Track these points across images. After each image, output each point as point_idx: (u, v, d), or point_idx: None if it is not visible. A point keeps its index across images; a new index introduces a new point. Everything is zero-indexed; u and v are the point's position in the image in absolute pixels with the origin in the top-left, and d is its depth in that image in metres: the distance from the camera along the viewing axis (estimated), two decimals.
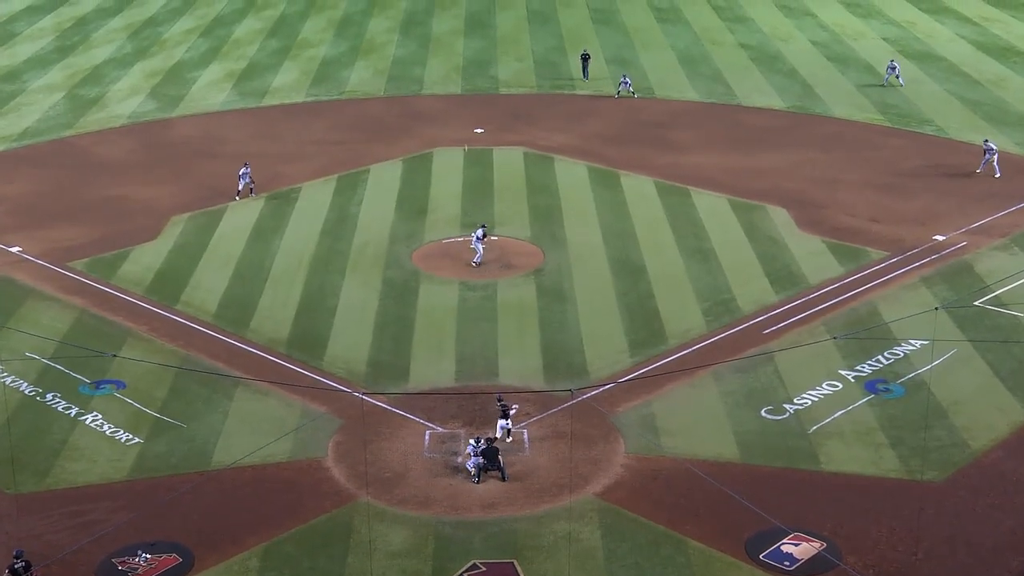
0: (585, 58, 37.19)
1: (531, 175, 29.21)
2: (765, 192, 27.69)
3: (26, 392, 19.14)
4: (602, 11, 46.02)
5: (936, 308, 20.25)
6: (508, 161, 30.16)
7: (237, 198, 27.69)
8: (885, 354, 19.83)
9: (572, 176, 29.14)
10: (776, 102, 34.62)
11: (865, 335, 19.78)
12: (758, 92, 35.54)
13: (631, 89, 34.99)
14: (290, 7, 47.04)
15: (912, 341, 20.03)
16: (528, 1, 47.63)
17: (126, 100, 35.40)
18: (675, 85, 36.59)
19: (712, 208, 26.86)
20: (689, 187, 28.15)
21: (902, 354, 19.75)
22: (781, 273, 23.43)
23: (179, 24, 44.27)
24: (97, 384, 19.37)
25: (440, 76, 37.89)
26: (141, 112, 34.34)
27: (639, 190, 28.03)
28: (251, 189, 27.94)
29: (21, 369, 19.67)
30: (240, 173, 27.89)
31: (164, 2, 47.44)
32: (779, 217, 26.23)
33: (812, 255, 24.16)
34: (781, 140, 31.40)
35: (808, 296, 22.17)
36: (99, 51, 40.60)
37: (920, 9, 44.82)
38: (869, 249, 24.36)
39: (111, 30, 43.22)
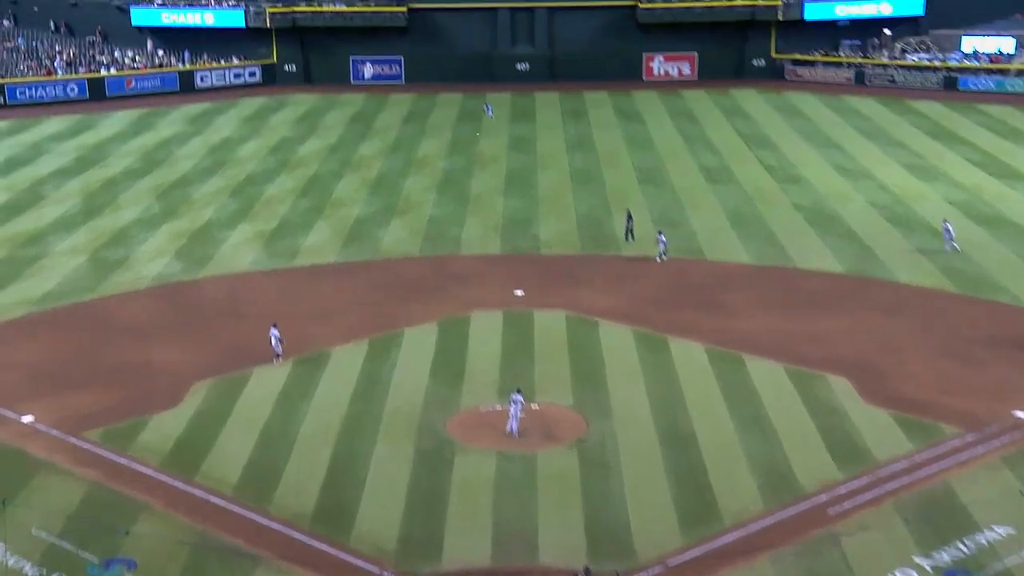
0: (628, 218, 41.10)
1: (574, 339, 31.64)
2: (824, 360, 29.24)
3: (30, 574, 20.31)
4: (648, 170, 50.75)
5: (1022, 492, 20.87)
6: (549, 325, 32.87)
7: (275, 360, 30.23)
8: (965, 541, 20.22)
9: (617, 341, 31.53)
10: (833, 265, 37.18)
11: (942, 519, 20.32)
12: (814, 254, 38.28)
13: (665, 251, 38.35)
14: (324, 166, 52.75)
15: (996, 528, 20.52)
16: (571, 159, 53.01)
17: (152, 261, 39.51)
18: (726, 247, 39.83)
19: (767, 376, 28.48)
20: (742, 353, 30.00)
21: (985, 542, 20.10)
22: (844, 448, 24.26)
23: (209, 184, 49.77)
24: (107, 564, 20.12)
25: (479, 235, 41.96)
26: (167, 273, 38.29)
27: (689, 356, 30.07)
28: (277, 355, 30.34)
29: (26, 548, 20.87)
30: (271, 334, 30.59)
31: (194, 162, 53.50)
32: (840, 387, 27.49)
33: (878, 429, 24.96)
34: (840, 305, 33.43)
35: (875, 474, 22.81)
36: (126, 212, 45.56)
37: (987, 173, 47.96)
38: (941, 424, 25.16)
39: (139, 191, 48.64)
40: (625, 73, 72.48)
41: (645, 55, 73.06)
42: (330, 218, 44.62)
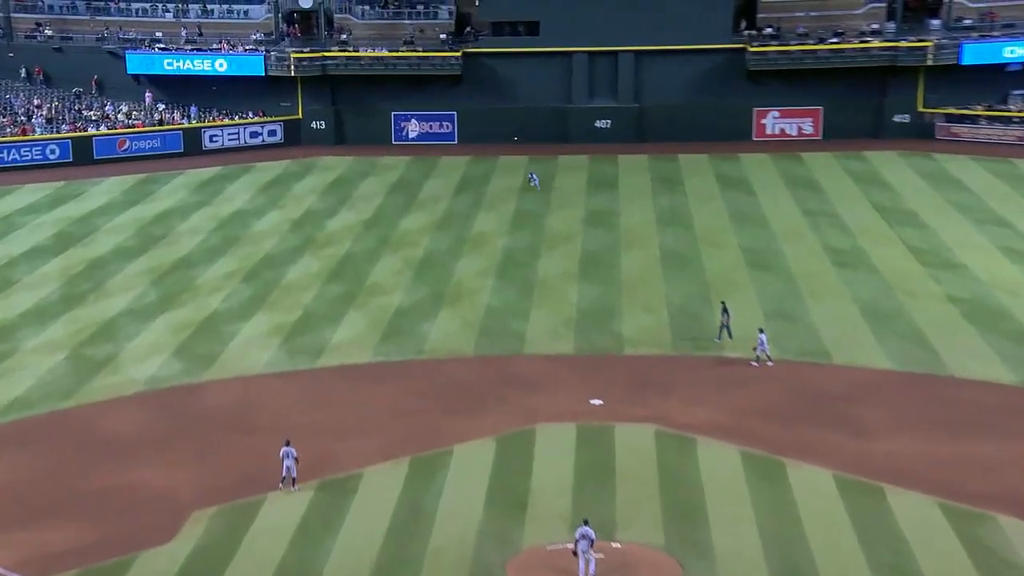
0: (723, 312, 41.81)
1: (665, 461, 32.25)
2: (991, 496, 29.06)
3: None
4: (759, 252, 51.79)
5: None
6: (634, 442, 33.54)
7: (280, 487, 31.10)
8: None
9: (720, 464, 32.05)
10: (1001, 373, 37.23)
11: None
12: (975, 359, 38.47)
13: (766, 354, 39.05)
14: (358, 244, 55.10)
15: None
16: (662, 238, 54.42)
17: (145, 361, 41.37)
18: (859, 348, 40.26)
19: (915, 513, 28.43)
20: (882, 484, 30.03)
21: None
22: None
23: (217, 266, 52.29)
24: None
25: (547, 331, 43.30)
26: (163, 376, 40.10)
27: (812, 485, 30.22)
28: (292, 479, 31.08)
29: None
30: (283, 454, 31.33)
31: (200, 239, 56.30)
32: (1015, 531, 27.43)
33: None
34: (1011, 424, 33.37)
35: None
36: (115, 300, 47.83)
37: None
38: None
39: (132, 274, 51.18)
40: (731, 132, 74.09)
41: (756, 110, 74.65)
42: (365, 308, 46.46)
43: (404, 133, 77.74)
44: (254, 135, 77.04)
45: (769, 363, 39.00)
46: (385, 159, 73.11)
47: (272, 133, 77.43)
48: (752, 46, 73.69)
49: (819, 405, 35.94)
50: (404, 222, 58.78)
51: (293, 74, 76.05)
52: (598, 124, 76.10)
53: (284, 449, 31.68)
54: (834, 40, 73.19)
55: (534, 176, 64.38)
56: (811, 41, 73.59)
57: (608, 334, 42.82)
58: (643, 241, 54.02)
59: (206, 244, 55.84)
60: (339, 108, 77.85)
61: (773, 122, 74.69)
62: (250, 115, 77.66)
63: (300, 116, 77.79)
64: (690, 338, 41.99)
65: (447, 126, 77.46)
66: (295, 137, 77.35)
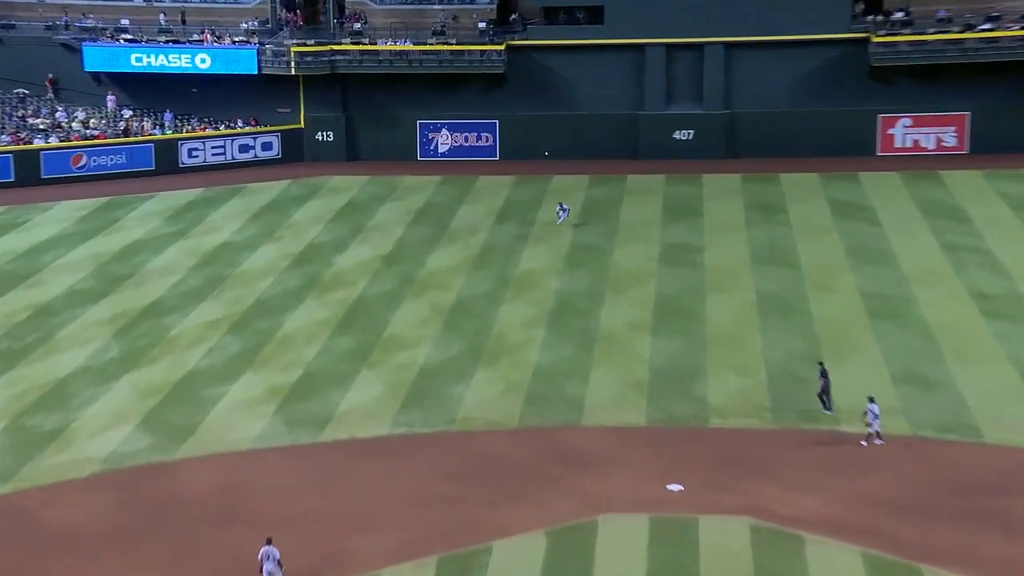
0: (821, 376, 41.66)
1: (763, 564, 32.20)
2: None
3: None
4: (885, 297, 51.64)
5: None
6: (723, 539, 33.49)
7: None
8: None
9: (835, 569, 31.96)
10: None
11: None
12: None
13: (876, 425, 38.81)
14: (374, 286, 55.77)
15: None
16: (758, 279, 54.51)
17: (104, 434, 41.80)
18: (1017, 424, 40.10)
19: None
20: None
21: None
22: None
23: (197, 313, 53.00)
24: None
25: (611, 396, 43.47)
26: (127, 453, 40.45)
27: None
28: None
29: None
30: (262, 555, 31.21)
31: (175, 279, 57.23)
32: None
33: None
34: None
35: None
36: (67, 356, 48.46)
37: None
38: None
39: (88, 324, 51.94)
40: (848, 145, 74.37)
41: (881, 117, 74.78)
42: (382, 367, 46.86)
43: (433, 147, 78.96)
44: (244, 149, 78.55)
45: (878, 441, 38.83)
46: (408, 179, 74.12)
47: (267, 147, 78.94)
48: (877, 36, 73.60)
49: (964, 496, 35.78)
50: (432, 259, 59.42)
51: (294, 73, 77.30)
52: (677, 136, 76.78)
53: (264, 549, 31.74)
54: (986, 27, 72.40)
55: (564, 208, 63.75)
56: (955, 29, 72.89)
57: (690, 401, 42.88)
58: (734, 284, 54.15)
59: (183, 286, 56.57)
60: (351, 116, 79.15)
61: (904, 132, 74.75)
62: (240, 124, 79.18)
63: (302, 125, 79.23)
64: (794, 407, 41.92)
65: (487, 138, 78.60)
66: (296, 152, 78.81)
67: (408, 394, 44.29)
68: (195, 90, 78.95)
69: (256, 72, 77.69)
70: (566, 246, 60.31)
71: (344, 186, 72.99)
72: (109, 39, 79.82)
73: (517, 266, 57.79)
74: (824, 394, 41.34)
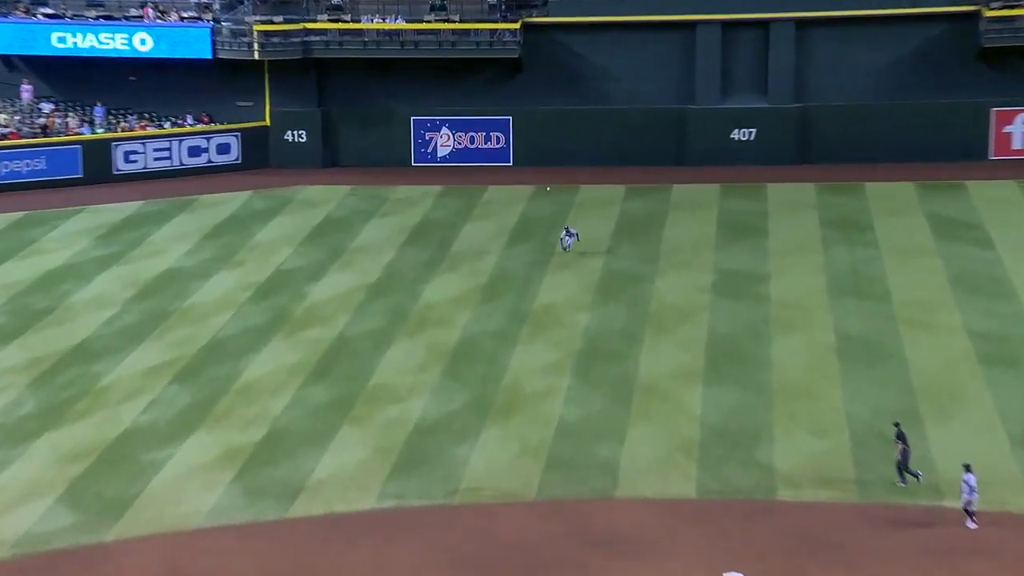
0: (898, 438, 41.70)
1: None
2: None
3: None
4: (998, 338, 51.76)
5: None
6: None
7: None
8: None
9: None
10: None
11: None
12: None
13: (971, 505, 38.69)
14: (356, 323, 56.15)
15: None
16: (838, 316, 54.62)
17: (15, 509, 41.70)
18: None
19: None
20: None
21: None
22: None
23: (135, 357, 53.36)
24: None
25: (653, 461, 43.60)
26: (44, 532, 40.35)
27: None
28: None
29: None
30: None
31: (109, 315, 57.67)
32: None
33: None
34: None
35: None
36: None
37: None
38: None
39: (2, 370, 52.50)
40: (952, 147, 74.91)
41: (994, 111, 75.37)
42: (367, 423, 47.10)
43: (431, 150, 79.77)
44: (195, 152, 79.23)
45: (971, 524, 38.62)
46: (401, 190, 74.68)
47: (224, 150, 79.67)
48: (990, 9, 73.81)
49: None
50: (430, 289, 59.84)
51: (257, 57, 77.76)
52: (736, 136, 77.46)
53: None
54: None
55: (571, 232, 63.54)
56: None
57: (752, 467, 42.94)
58: (807, 321, 54.37)
59: (118, 323, 57.02)
60: (329, 111, 79.97)
61: None
62: (189, 121, 79.92)
63: (268, 123, 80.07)
64: (884, 478, 41.89)
65: (498, 139, 79.36)
66: (260, 156, 79.62)
67: (400, 457, 44.38)
68: (133, 78, 79.70)
69: (210, 56, 78.17)
70: (596, 273, 60.65)
71: (320, 198, 73.68)
72: (23, 14, 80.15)
73: (535, 298, 58.16)
74: (903, 463, 41.51)
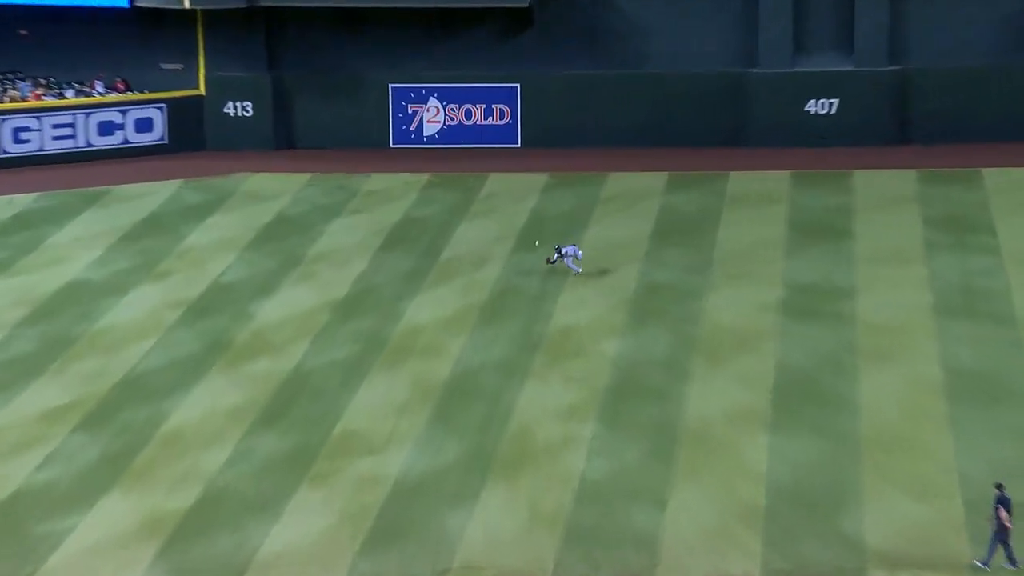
0: (1002, 502, 41.39)
1: None
2: None
3: None
4: None
5: None
6: None
7: None
8: None
9: None
10: None
11: None
12: None
13: None
14: (317, 351, 56.69)
15: None
16: (944, 343, 54.92)
17: None
18: None
19: None
20: None
21: None
22: None
23: (29, 396, 53.59)
24: None
25: (703, 533, 43.40)
26: None
27: None
28: None
29: None
30: None
31: None
32: None
33: None
34: None
35: None
36: None
37: None
38: None
39: None
40: None
41: None
42: (332, 481, 47.28)
43: (415, 128, 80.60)
44: (107, 129, 79.97)
45: None
46: (376, 180, 75.44)
47: (144, 126, 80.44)
48: None
49: None
50: (414, 307, 60.28)
51: (188, 6, 78.39)
52: (812, 108, 78.20)
53: None
54: None
55: (563, 252, 62.59)
56: None
57: (833, 541, 43.00)
58: (906, 349, 54.63)
59: (5, 352, 57.57)
60: (282, 77, 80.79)
61: None
62: (99, 89, 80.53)
63: (203, 92, 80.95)
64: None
65: (502, 114, 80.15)
66: (193, 135, 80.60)
67: (375, 526, 44.51)
68: (24, 32, 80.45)
69: (126, 4, 78.90)
70: (629, 287, 61.08)
71: (271, 190, 74.32)
72: None
73: (550, 320, 58.50)
74: (1003, 535, 41.39)
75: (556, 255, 62.51)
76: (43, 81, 79.71)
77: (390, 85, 79.36)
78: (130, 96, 79.64)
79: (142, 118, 79.46)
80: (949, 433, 48.37)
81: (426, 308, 59.95)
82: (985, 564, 41.02)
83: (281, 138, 79.57)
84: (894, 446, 47.88)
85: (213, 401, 52.58)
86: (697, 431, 49.36)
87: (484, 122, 79.23)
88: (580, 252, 62.44)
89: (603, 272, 62.46)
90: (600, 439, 49.02)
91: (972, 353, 53.84)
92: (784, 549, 42.63)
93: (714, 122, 77.56)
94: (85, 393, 53.49)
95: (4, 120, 78.06)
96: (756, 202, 70.17)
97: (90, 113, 79.06)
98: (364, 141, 79.03)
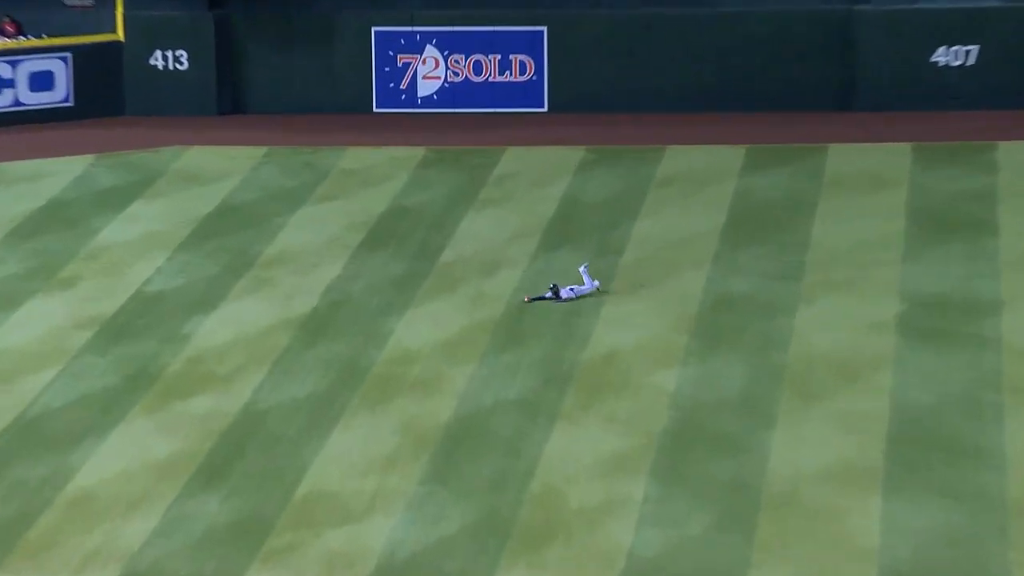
0: None
1: None
2: None
3: None
4: None
5: None
6: None
7: None
8: None
9: None
10: None
11: None
12: None
13: None
14: (276, 385, 56.94)
15: None
16: None
17: None
18: None
19: None
20: None
21: None
22: None
23: None
24: None
25: None
26: None
27: None
28: None
29: None
30: None
31: None
32: None
33: None
34: None
35: None
36: None
37: None
38: None
39: None
40: None
41: None
42: (294, 559, 47.10)
43: (406, 85, 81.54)
44: None
45: None
46: (354, 156, 76.17)
47: (42, 82, 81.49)
48: None
49: None
50: (404, 326, 60.59)
51: None
52: (941, 59, 78.91)
53: None
54: None
55: (556, 295, 62.32)
56: None
57: None
58: None
59: None
60: (229, 17, 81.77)
61: None
62: None
63: (121, 36, 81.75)
64: None
65: (523, 68, 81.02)
66: (107, 94, 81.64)
67: None
68: None
69: None
70: (693, 299, 61.29)
71: (213, 170, 74.92)
72: None
73: (587, 342, 58.69)
74: None
75: (550, 294, 62.29)
76: None
77: (373, 29, 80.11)
78: (22, 43, 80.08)
79: (38, 72, 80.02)
80: None
81: (420, 328, 60.20)
82: None
83: (226, 99, 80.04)
84: None
85: (136, 452, 52.55)
86: (784, 493, 49.21)
87: (499, 78, 79.66)
88: (597, 283, 62.47)
89: (657, 280, 62.73)
90: (654, 503, 48.84)
91: None
92: None
93: (809, 77, 78.34)
94: None
95: None
96: (865, 185, 70.44)
97: None
98: (338, 104, 79.52)
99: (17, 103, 78.59)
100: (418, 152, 74.71)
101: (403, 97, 79.05)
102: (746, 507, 48.37)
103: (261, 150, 75.23)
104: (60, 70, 78.74)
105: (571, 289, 61.79)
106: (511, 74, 78.95)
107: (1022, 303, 59.39)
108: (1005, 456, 50.51)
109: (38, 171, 73.49)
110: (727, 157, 72.33)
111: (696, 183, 69.78)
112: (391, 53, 79.13)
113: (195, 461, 51.88)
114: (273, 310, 61.56)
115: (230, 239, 67.41)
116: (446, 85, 79.18)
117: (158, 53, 79.13)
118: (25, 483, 50.95)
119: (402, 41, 79.06)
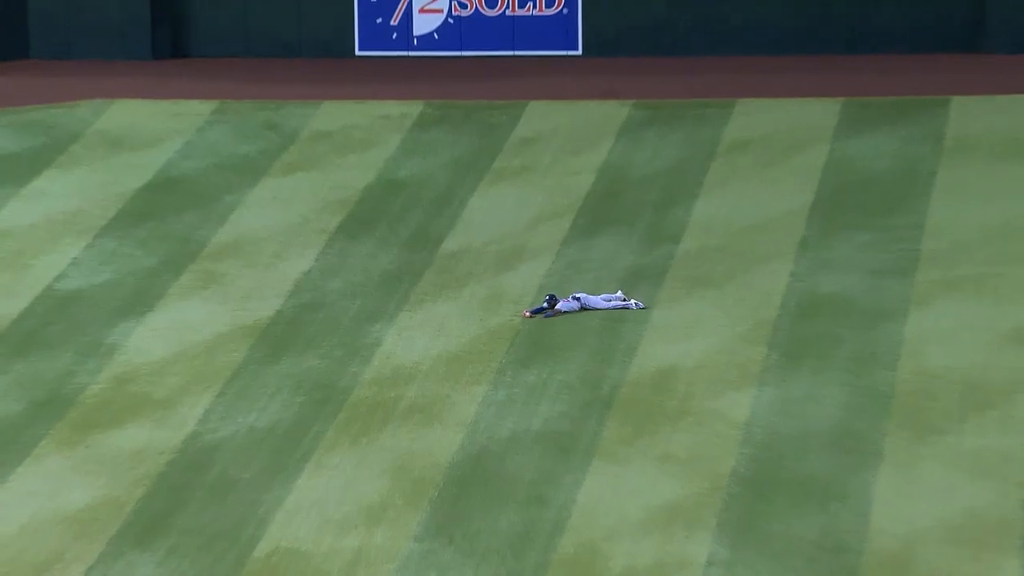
0: None
1: None
2: None
3: None
4: None
5: None
6: None
7: None
8: None
9: None
10: None
11: None
12: None
13: None
14: (226, 413, 57.33)
15: None
16: None
17: None
18: None
19: None
20: None
21: None
22: None
23: None
24: None
25: None
26: None
27: None
28: None
29: None
30: None
31: None
32: None
33: None
34: None
35: None
36: None
37: None
38: None
39: None
40: None
41: None
42: None
43: (396, 21, 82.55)
44: None
45: None
46: (329, 111, 76.86)
47: None
48: None
49: None
50: (393, 336, 61.23)
51: None
52: None
53: None
54: None
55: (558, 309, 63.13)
56: None
57: None
58: None
59: None
60: None
61: None
62: None
63: None
64: None
65: (549, 0, 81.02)
66: (7, 33, 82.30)
67: None
68: None
69: None
70: (773, 302, 61.86)
71: (146, 131, 75.55)
72: None
73: (632, 357, 59.25)
74: None
75: (545, 306, 62.95)
76: None
77: None
78: None
79: None
80: None
81: (416, 338, 60.77)
82: None
83: (163, 40, 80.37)
84: None
85: (44, 501, 53.07)
86: (893, 556, 49.40)
87: (518, 12, 79.91)
88: (632, 301, 62.87)
89: (725, 276, 63.20)
90: (721, 568, 49.14)
91: None
92: None
93: (923, 11, 77.92)
94: None
95: None
96: (998, 150, 70.69)
97: None
98: (309, 46, 79.77)
99: None
100: (414, 108, 75.08)
101: (394, 36, 79.53)
102: (842, 571, 48.80)
103: (209, 105, 75.63)
104: None
105: (603, 299, 62.23)
106: (535, 6, 79.37)
107: None
108: None
109: None
110: (818, 114, 72.76)
111: (777, 149, 70.25)
112: None
113: (123, 512, 52.24)
114: (225, 315, 61.97)
115: (168, 222, 67.72)
116: (450, 21, 79.72)
117: None
118: None
119: None
